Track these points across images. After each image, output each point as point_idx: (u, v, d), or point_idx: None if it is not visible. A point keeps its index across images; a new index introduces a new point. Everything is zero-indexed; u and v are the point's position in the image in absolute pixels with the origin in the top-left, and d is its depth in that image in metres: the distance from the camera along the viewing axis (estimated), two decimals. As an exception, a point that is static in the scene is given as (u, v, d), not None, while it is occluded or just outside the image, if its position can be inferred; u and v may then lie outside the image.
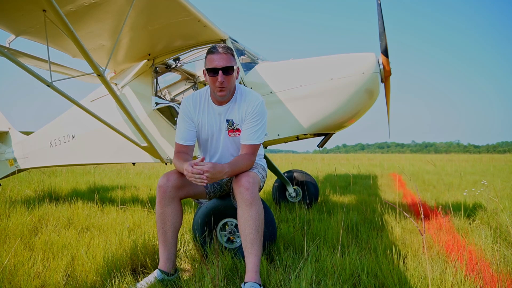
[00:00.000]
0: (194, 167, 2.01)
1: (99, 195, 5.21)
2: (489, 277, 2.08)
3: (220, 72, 2.16)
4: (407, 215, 1.99)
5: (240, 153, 2.31)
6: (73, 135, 4.52)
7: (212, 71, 2.19)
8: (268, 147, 4.47)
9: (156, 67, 3.99)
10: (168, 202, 2.20)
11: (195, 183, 2.03)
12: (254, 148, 2.28)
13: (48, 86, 2.87)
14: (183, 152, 2.34)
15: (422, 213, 2.05)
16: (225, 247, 2.52)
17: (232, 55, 2.23)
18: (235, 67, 2.23)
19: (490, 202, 4.24)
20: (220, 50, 2.19)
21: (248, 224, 2.04)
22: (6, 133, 5.37)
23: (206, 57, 2.24)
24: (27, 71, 2.82)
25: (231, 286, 2.08)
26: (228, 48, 2.23)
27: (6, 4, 2.69)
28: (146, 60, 4.02)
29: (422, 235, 1.80)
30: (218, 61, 2.17)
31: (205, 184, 2.08)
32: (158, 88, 4.05)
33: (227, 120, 2.35)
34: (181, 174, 2.27)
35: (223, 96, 2.25)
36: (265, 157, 3.68)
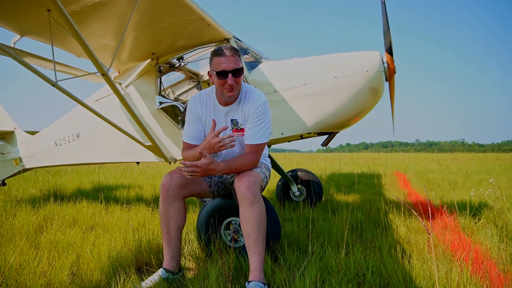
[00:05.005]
0: (187, 163, 2.07)
1: (103, 194, 5.22)
2: (496, 276, 2.07)
3: (230, 75, 2.14)
4: (415, 212, 1.98)
5: (245, 153, 2.30)
6: (78, 135, 4.54)
7: (221, 74, 2.15)
8: (272, 146, 4.46)
9: (160, 67, 4.00)
10: (171, 201, 2.20)
11: (186, 176, 2.09)
12: (257, 148, 2.27)
13: (52, 85, 2.88)
14: (192, 148, 2.34)
15: (430, 211, 2.04)
16: (230, 246, 2.52)
17: (239, 56, 2.21)
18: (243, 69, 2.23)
19: (496, 201, 4.20)
20: (227, 52, 2.15)
21: (250, 223, 2.04)
22: (12, 132, 5.40)
23: (212, 59, 2.20)
24: (32, 70, 2.83)
25: (236, 285, 2.08)
26: (235, 49, 2.19)
27: (11, 4, 2.70)
28: (150, 59, 4.03)
29: (429, 234, 1.79)
30: (227, 63, 2.13)
31: (192, 177, 2.10)
32: (162, 87, 4.06)
33: (231, 120, 2.34)
34: None
35: (233, 96, 2.23)
36: (269, 156, 3.67)
